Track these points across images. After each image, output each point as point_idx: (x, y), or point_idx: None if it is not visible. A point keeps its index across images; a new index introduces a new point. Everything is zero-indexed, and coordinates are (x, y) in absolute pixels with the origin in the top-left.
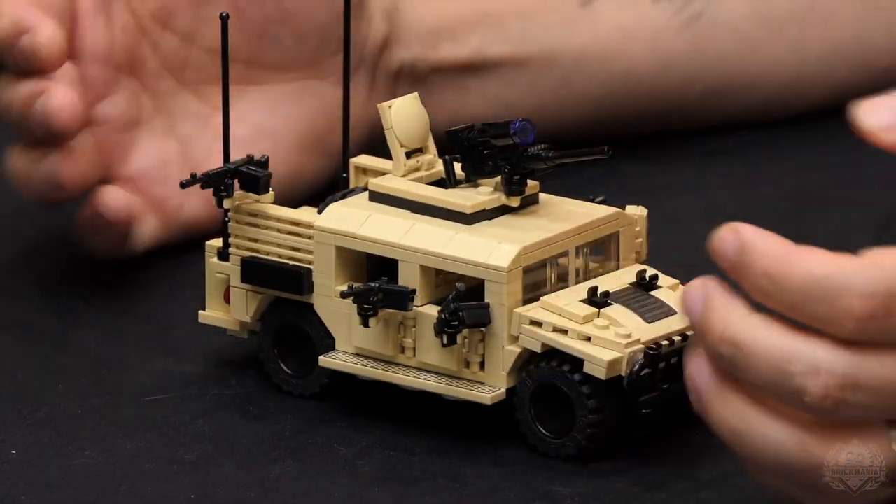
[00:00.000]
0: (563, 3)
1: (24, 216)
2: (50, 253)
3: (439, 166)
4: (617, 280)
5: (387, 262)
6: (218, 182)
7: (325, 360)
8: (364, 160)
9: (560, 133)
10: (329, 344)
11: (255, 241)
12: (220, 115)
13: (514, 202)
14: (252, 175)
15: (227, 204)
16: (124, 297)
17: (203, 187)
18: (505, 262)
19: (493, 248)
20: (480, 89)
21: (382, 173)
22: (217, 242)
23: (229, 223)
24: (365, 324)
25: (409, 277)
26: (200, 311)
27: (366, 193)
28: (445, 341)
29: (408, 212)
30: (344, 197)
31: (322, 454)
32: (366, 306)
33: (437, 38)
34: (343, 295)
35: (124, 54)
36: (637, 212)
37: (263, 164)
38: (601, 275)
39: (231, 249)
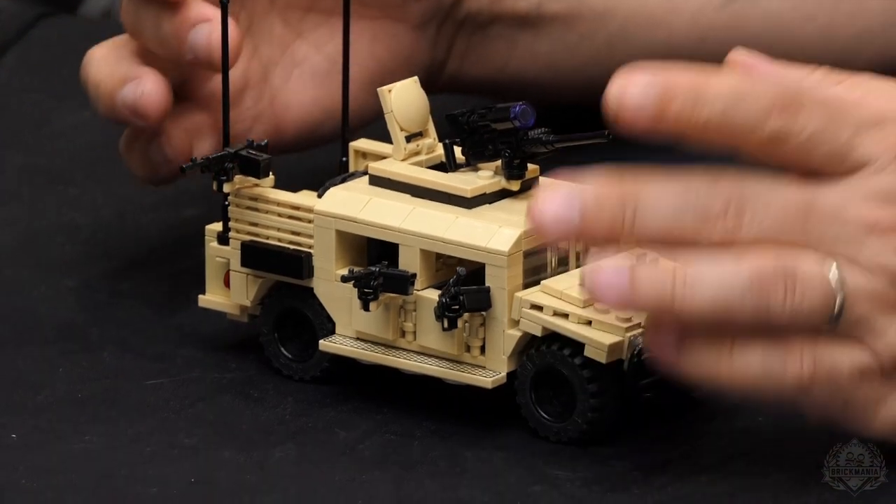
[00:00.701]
0: None
1: (21, 202)
2: (49, 238)
3: (439, 150)
4: None
5: (387, 247)
6: (218, 166)
7: (325, 345)
8: (363, 144)
9: (597, 97)
10: (329, 328)
11: (255, 225)
12: (301, 42)
13: (515, 186)
14: (252, 159)
15: (227, 188)
16: (124, 280)
17: (203, 171)
18: (506, 246)
19: (493, 231)
20: (530, 46)
21: (382, 157)
22: (217, 226)
23: (229, 207)
24: (366, 308)
25: (409, 261)
26: (200, 296)
27: (366, 177)
28: (446, 325)
29: (408, 196)
30: (344, 181)
31: (322, 438)
32: (366, 290)
33: None
34: (344, 279)
35: None
36: None
37: (263, 147)
38: None
39: (231, 234)
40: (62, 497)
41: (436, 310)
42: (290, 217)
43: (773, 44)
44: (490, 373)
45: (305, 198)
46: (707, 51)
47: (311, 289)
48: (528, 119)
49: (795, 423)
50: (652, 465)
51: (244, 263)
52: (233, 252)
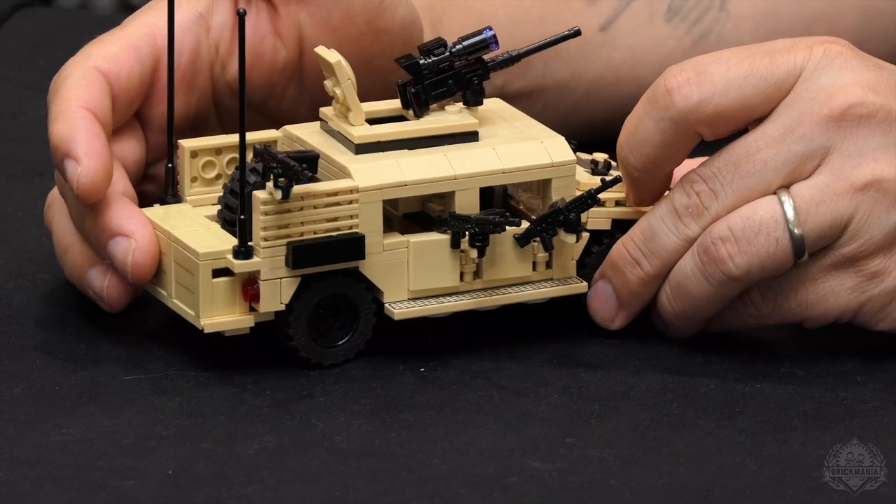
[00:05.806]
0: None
1: None
2: (24, 231)
3: (369, 107)
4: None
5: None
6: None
7: (400, 313)
8: (193, 143)
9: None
10: (370, 300)
11: (287, 226)
12: None
13: (477, 112)
14: (307, 157)
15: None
16: None
17: (284, 175)
18: (570, 155)
19: (541, 147)
20: None
21: (215, 151)
22: (212, 248)
23: (263, 217)
24: (482, 254)
25: (467, 204)
26: (204, 322)
27: (346, 151)
28: (552, 246)
29: (406, 150)
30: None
31: (300, 429)
32: (482, 240)
33: None
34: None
35: (192, 118)
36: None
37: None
38: None
39: (263, 243)
40: (40, 489)
41: (537, 232)
42: (327, 206)
43: None
44: (571, 280)
45: (343, 182)
46: None
47: (344, 271)
48: (496, 40)
49: (793, 422)
50: (628, 456)
51: (296, 265)
52: (264, 262)
